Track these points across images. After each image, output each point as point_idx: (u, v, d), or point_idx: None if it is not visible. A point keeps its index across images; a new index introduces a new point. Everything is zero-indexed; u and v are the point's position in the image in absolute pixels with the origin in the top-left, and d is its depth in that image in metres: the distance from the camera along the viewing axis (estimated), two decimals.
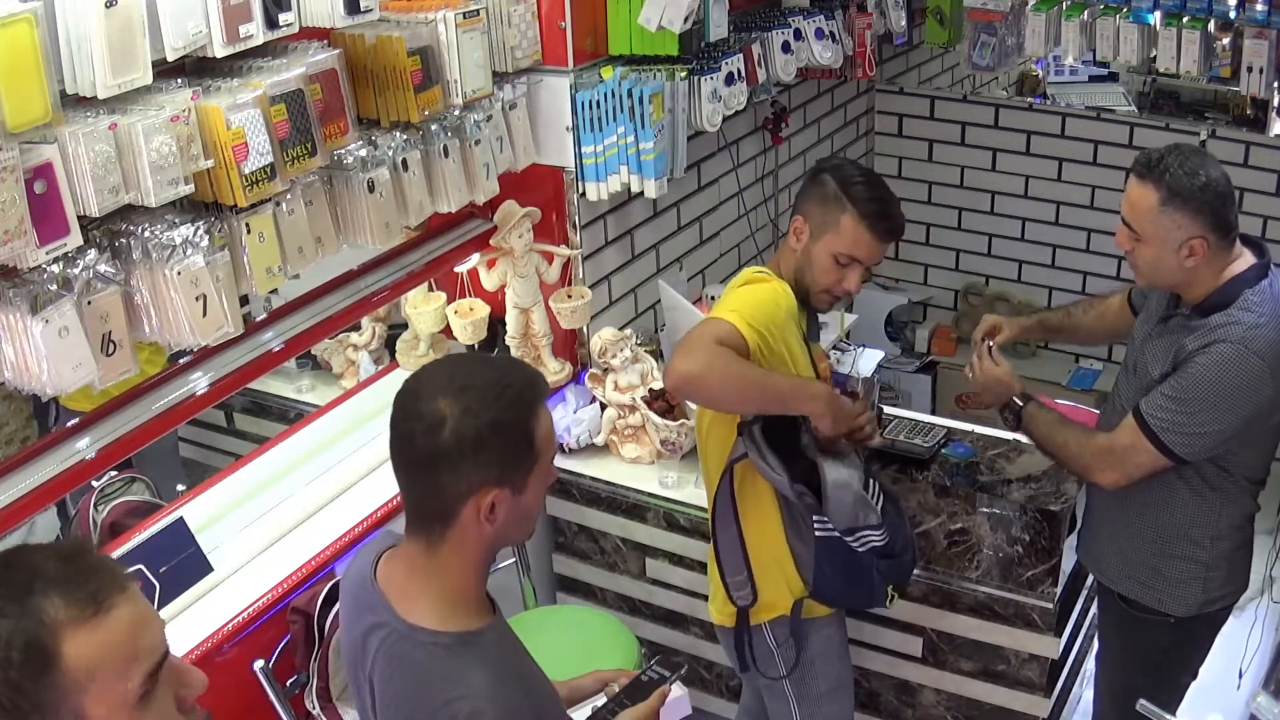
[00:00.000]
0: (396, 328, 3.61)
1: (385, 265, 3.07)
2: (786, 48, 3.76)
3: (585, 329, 3.44)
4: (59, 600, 1.08)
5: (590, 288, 3.41)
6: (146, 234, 2.22)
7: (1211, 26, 3.88)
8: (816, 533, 2.43)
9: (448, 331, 3.41)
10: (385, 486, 3.03)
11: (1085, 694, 3.33)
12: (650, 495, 3.26)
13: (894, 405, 4.01)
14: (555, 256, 3.32)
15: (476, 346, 3.38)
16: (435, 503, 1.61)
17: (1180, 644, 2.66)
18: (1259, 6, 3.72)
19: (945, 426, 3.12)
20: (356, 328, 3.57)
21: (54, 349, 2.07)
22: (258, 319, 2.85)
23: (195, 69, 2.40)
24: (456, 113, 2.85)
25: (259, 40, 2.33)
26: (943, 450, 3.01)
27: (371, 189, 2.64)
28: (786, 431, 2.39)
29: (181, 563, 2.63)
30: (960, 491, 2.90)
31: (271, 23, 2.34)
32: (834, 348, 3.77)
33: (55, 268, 2.07)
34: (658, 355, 3.50)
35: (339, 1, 2.43)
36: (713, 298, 3.59)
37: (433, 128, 2.80)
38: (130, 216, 2.22)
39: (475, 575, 1.67)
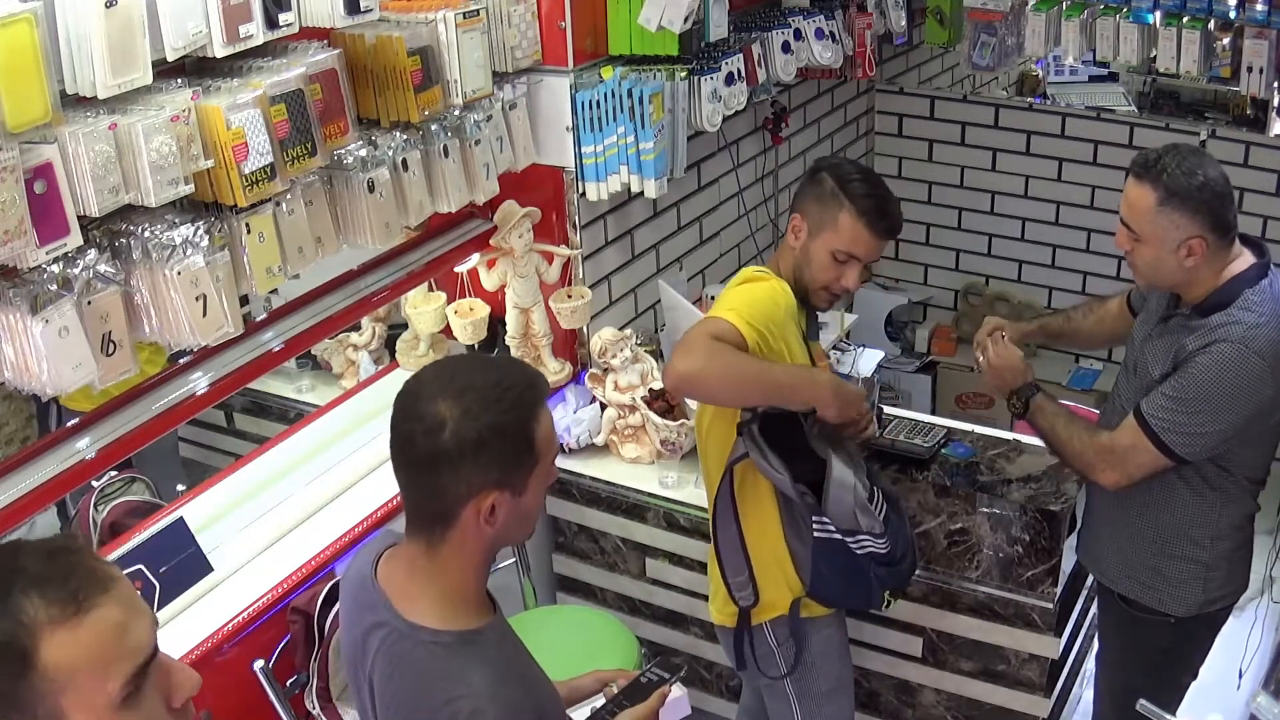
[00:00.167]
0: (396, 328, 3.61)
1: (385, 265, 3.07)
2: (786, 48, 3.76)
3: (585, 329, 3.44)
4: (38, 600, 1.07)
5: (590, 288, 3.41)
6: (146, 234, 2.22)
7: (1211, 26, 3.88)
8: (815, 533, 2.43)
9: (448, 331, 3.41)
10: (385, 486, 3.03)
11: (1085, 694, 3.33)
12: (650, 495, 3.26)
13: (894, 405, 4.01)
14: (555, 256, 3.32)
15: (476, 346, 3.38)
16: (435, 504, 1.61)
17: (1180, 644, 2.66)
18: (1259, 6, 3.71)
19: (945, 426, 3.12)
20: (356, 328, 3.57)
21: (54, 349, 2.07)
22: (258, 319, 2.85)
23: (195, 69, 2.40)
24: (456, 113, 2.85)
25: (259, 40, 2.33)
26: (943, 450, 3.01)
27: (371, 189, 2.64)
28: (787, 430, 2.39)
29: (181, 563, 2.63)
30: (960, 491, 2.90)
31: (271, 23, 2.34)
32: (834, 348, 3.77)
33: (55, 268, 2.07)
34: (658, 355, 3.50)
35: (339, 1, 2.43)
36: (712, 297, 3.59)
37: (433, 128, 2.80)
38: (130, 216, 2.22)
39: (476, 575, 1.67)
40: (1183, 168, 2.33)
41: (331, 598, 2.61)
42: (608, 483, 3.31)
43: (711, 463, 2.55)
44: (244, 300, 2.64)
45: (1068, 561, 2.91)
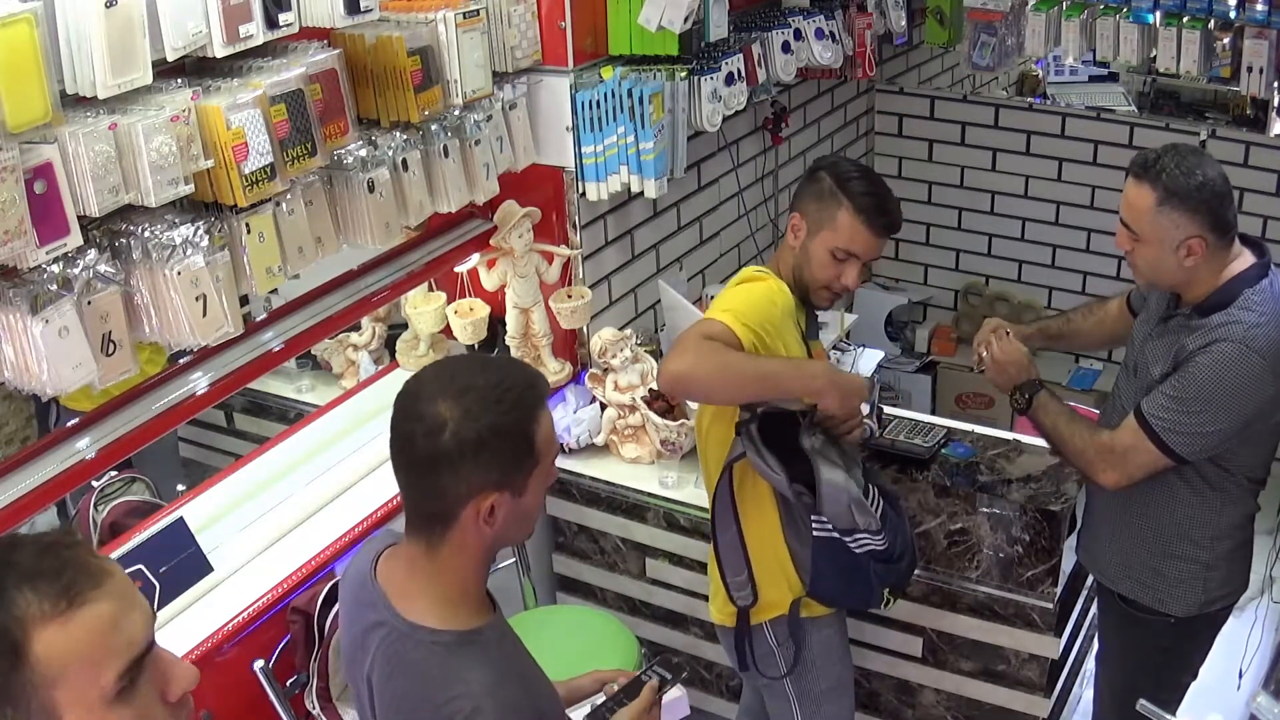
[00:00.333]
0: (396, 328, 3.61)
1: (385, 265, 3.07)
2: (786, 48, 3.76)
3: (585, 329, 3.44)
4: (30, 594, 1.08)
5: (590, 288, 3.41)
6: (146, 234, 2.22)
7: (1211, 26, 3.88)
8: (815, 533, 2.43)
9: (448, 331, 3.41)
10: (385, 486, 3.03)
11: (1085, 694, 3.33)
12: (650, 495, 3.26)
13: (894, 405, 4.00)
14: (555, 256, 3.32)
15: (476, 346, 3.38)
16: (435, 504, 1.61)
17: (1180, 644, 2.66)
18: (1259, 6, 3.71)
19: (945, 426, 3.12)
20: (356, 328, 3.57)
21: (54, 349, 2.07)
22: (258, 319, 2.85)
23: (195, 69, 2.40)
24: (456, 113, 2.85)
25: (259, 40, 2.33)
26: (943, 450, 3.01)
27: (371, 189, 2.64)
28: (785, 430, 2.39)
29: (181, 563, 2.63)
30: (960, 491, 2.90)
31: (271, 23, 2.34)
32: (834, 348, 3.77)
33: (55, 268, 2.07)
34: (658, 355, 3.50)
35: (339, 1, 2.43)
36: (712, 297, 3.58)
37: (433, 128, 2.80)
38: (130, 216, 2.22)
39: (475, 575, 1.67)
40: (1181, 167, 2.33)
41: (331, 598, 2.61)
42: (608, 483, 3.31)
43: (711, 462, 2.55)
44: (244, 300, 2.64)
45: (1068, 561, 2.91)
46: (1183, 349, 2.39)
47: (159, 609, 2.54)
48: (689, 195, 3.86)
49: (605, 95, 3.17)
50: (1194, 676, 2.74)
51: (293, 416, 3.54)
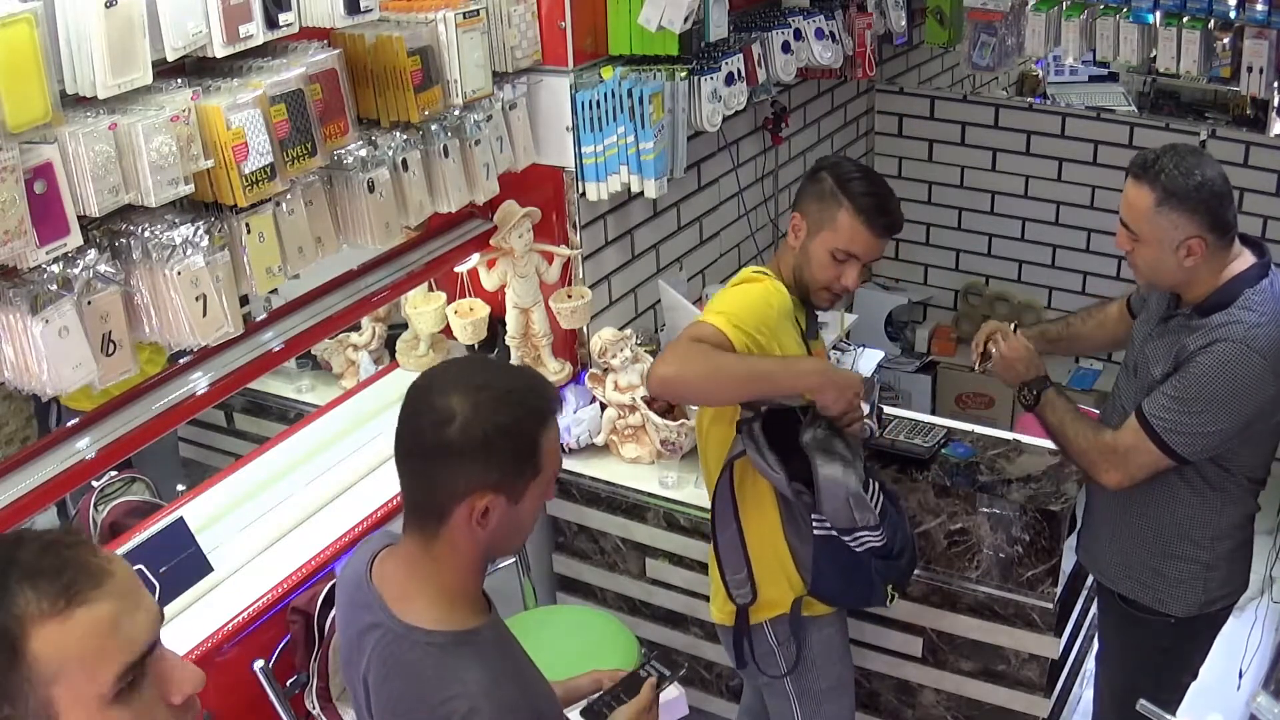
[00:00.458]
0: (396, 328, 3.61)
1: (385, 265, 3.07)
2: (786, 48, 3.76)
3: (585, 329, 3.44)
4: (30, 592, 1.08)
5: (590, 288, 3.41)
6: (146, 234, 2.22)
7: (1211, 26, 3.88)
8: (815, 531, 2.43)
9: (448, 331, 3.41)
10: (385, 486, 3.03)
11: (1085, 694, 3.33)
12: (650, 495, 3.26)
13: (894, 405, 4.01)
14: (555, 256, 3.32)
15: (476, 346, 3.39)
16: (431, 497, 1.61)
17: (1181, 644, 2.66)
18: (1259, 6, 3.71)
19: (945, 426, 3.12)
20: (356, 328, 3.57)
21: (54, 349, 2.07)
22: (258, 319, 2.85)
23: (195, 69, 2.40)
24: (456, 113, 2.85)
25: (259, 40, 2.33)
26: (943, 450, 3.01)
27: (371, 189, 2.64)
28: (787, 428, 2.39)
29: (181, 563, 2.63)
30: (960, 491, 2.90)
31: (271, 23, 2.34)
32: (834, 348, 3.77)
33: (55, 268, 2.07)
34: (657, 355, 3.49)
35: (339, 1, 2.43)
36: (712, 297, 3.59)
37: (433, 128, 2.80)
38: (130, 216, 2.22)
39: (470, 575, 1.67)
40: (1180, 168, 2.33)
41: (332, 598, 2.60)
42: (608, 483, 3.31)
43: (711, 461, 2.55)
44: (244, 300, 2.64)
45: (1068, 561, 2.91)
46: (1183, 349, 2.39)
47: None
48: (689, 195, 3.86)
49: (605, 95, 3.17)
50: (1194, 676, 2.74)
51: (293, 416, 3.54)
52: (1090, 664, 3.24)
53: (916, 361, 4.96)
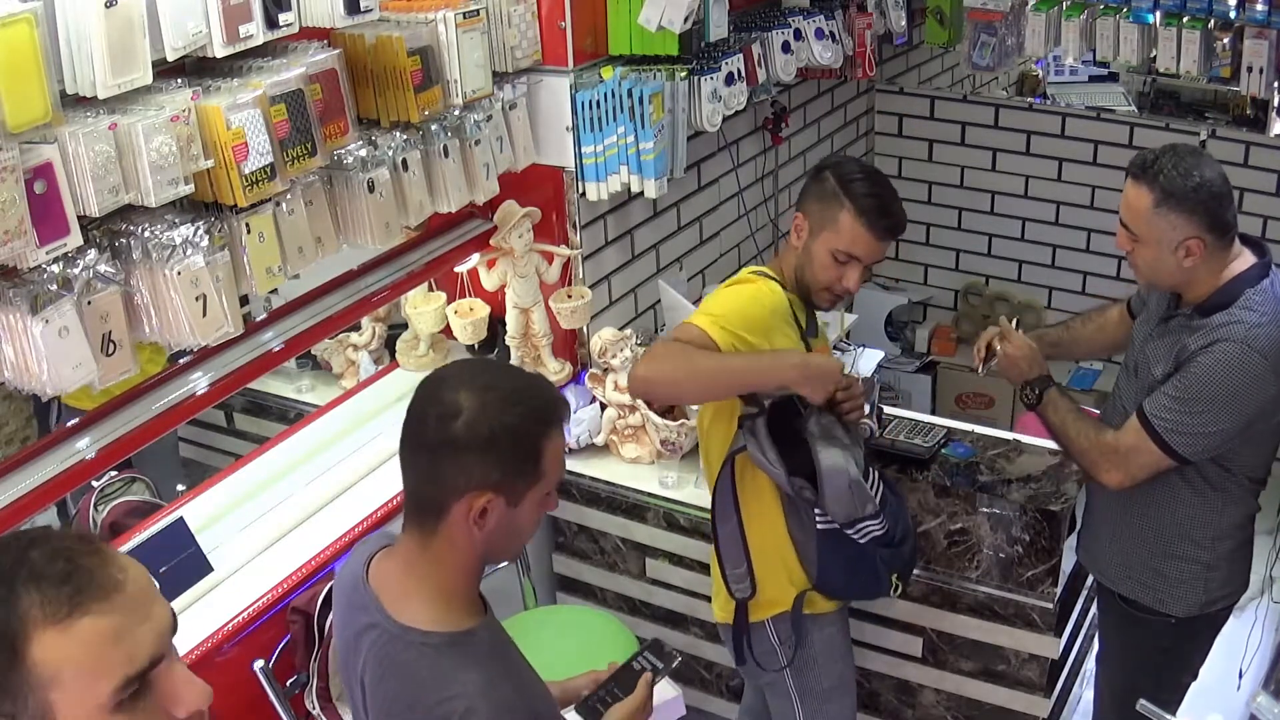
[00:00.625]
0: (396, 328, 3.61)
1: (385, 265, 3.07)
2: (786, 48, 3.76)
3: (585, 329, 3.44)
4: (36, 596, 1.08)
5: (590, 288, 3.41)
6: (146, 234, 2.22)
7: (1211, 26, 3.88)
8: (818, 525, 2.43)
9: (448, 331, 3.41)
10: (385, 486, 3.03)
11: (1085, 694, 3.33)
12: (650, 495, 3.26)
13: (894, 405, 4.00)
14: (555, 256, 3.32)
15: (476, 346, 3.39)
16: (430, 491, 1.62)
17: (1181, 644, 2.66)
18: (1259, 6, 3.71)
19: (945, 426, 3.12)
20: (356, 328, 3.57)
21: (54, 349, 2.07)
22: (258, 319, 2.85)
23: (195, 69, 2.40)
24: (456, 113, 2.85)
25: (259, 40, 2.33)
26: (943, 450, 3.01)
27: (371, 189, 2.64)
28: (789, 424, 2.39)
29: (181, 563, 2.63)
30: (960, 491, 2.90)
31: (271, 23, 2.34)
32: (834, 348, 3.76)
33: (55, 268, 2.07)
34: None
35: (339, 1, 2.43)
36: None
37: (433, 128, 2.80)
38: (130, 216, 2.22)
39: (467, 576, 1.68)
40: (1179, 169, 2.33)
41: (331, 598, 2.61)
42: (608, 483, 3.31)
43: (713, 457, 2.55)
44: (244, 300, 2.64)
45: (1068, 561, 2.91)
46: (1184, 349, 2.39)
47: None
48: (689, 195, 3.86)
49: (605, 95, 3.17)
50: (1194, 677, 2.74)
51: (293, 416, 3.54)
52: (1090, 664, 3.24)
53: (916, 361, 4.96)
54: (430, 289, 3.40)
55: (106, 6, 2.01)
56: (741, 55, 3.52)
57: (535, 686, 1.73)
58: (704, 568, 3.13)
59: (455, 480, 1.59)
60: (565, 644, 2.96)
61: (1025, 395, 2.63)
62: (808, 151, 4.51)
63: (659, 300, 3.71)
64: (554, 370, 3.41)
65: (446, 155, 2.85)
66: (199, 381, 2.59)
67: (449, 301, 3.38)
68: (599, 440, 3.36)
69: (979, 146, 4.86)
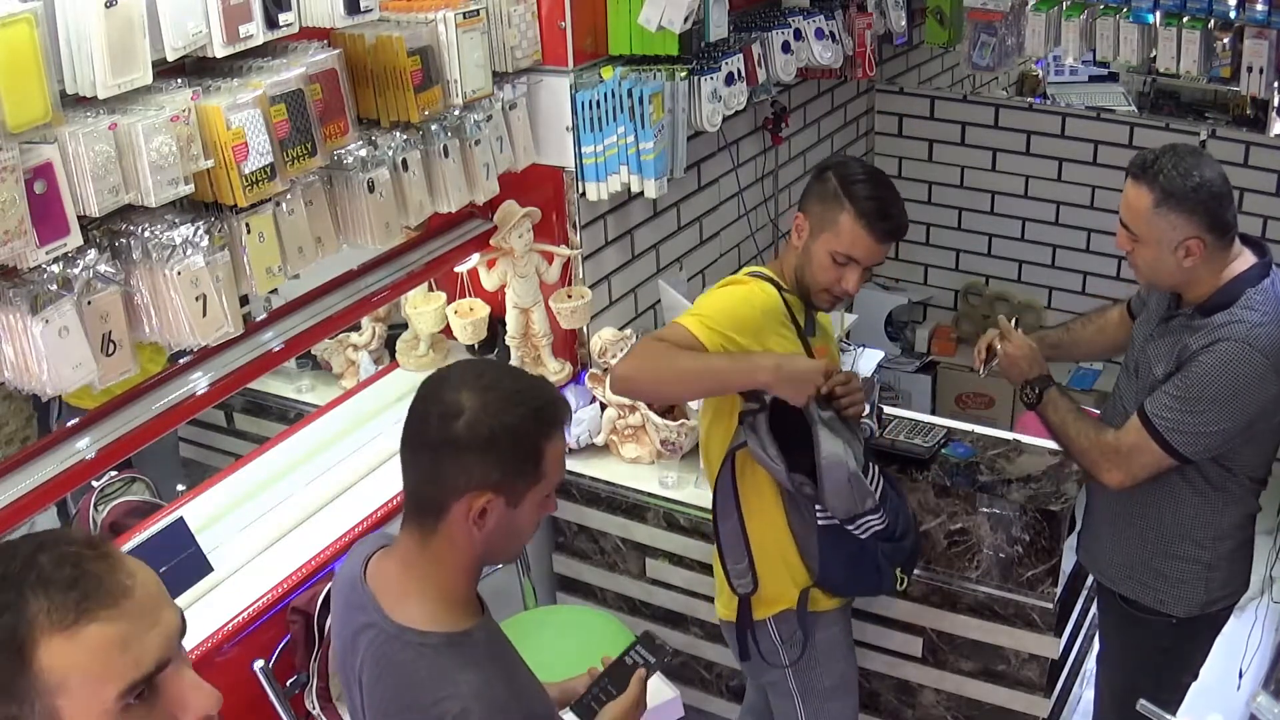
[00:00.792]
0: (396, 328, 3.61)
1: (385, 265, 3.07)
2: (786, 48, 3.76)
3: (585, 329, 3.44)
4: (44, 602, 1.08)
5: (590, 288, 3.41)
6: (146, 234, 2.22)
7: (1211, 26, 3.88)
8: (819, 521, 2.43)
9: (448, 331, 3.41)
10: (385, 486, 3.03)
11: (1085, 694, 3.33)
12: (650, 495, 3.26)
13: (894, 405, 4.01)
14: (555, 256, 3.32)
15: (476, 346, 3.39)
16: (431, 490, 1.62)
17: (1181, 644, 2.66)
18: (1259, 6, 3.71)
19: (945, 426, 3.12)
20: (356, 328, 3.57)
21: (54, 349, 2.07)
22: (258, 319, 2.85)
23: (195, 69, 2.40)
24: (456, 113, 2.85)
25: (259, 40, 2.33)
26: (943, 450, 3.01)
27: (371, 189, 2.64)
28: (789, 421, 2.38)
29: (181, 563, 2.63)
30: (960, 491, 2.90)
31: (271, 23, 2.34)
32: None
33: (55, 268, 2.07)
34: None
35: (339, 1, 2.43)
36: None
37: (433, 128, 2.80)
38: (130, 216, 2.22)
39: (465, 576, 1.68)
40: (1179, 169, 2.33)
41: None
42: (608, 483, 3.31)
43: (714, 453, 2.56)
44: (244, 300, 2.64)
45: (1068, 561, 2.91)
46: (1186, 348, 2.39)
47: None
48: (689, 195, 3.86)
49: (605, 95, 3.17)
50: (1194, 677, 2.74)
51: (293, 416, 3.54)
52: (1090, 664, 3.24)
53: (916, 361, 4.96)
54: (430, 289, 3.40)
55: (106, 6, 2.01)
56: (741, 55, 3.52)
57: (532, 688, 1.73)
58: (704, 568, 3.13)
59: (456, 480, 1.59)
60: (565, 644, 2.96)
61: (1025, 395, 2.62)
62: (808, 151, 4.51)
63: (659, 300, 3.71)
64: (554, 370, 3.41)
65: (446, 155, 2.85)
66: (199, 381, 2.59)
67: (449, 301, 3.38)
68: (599, 440, 3.36)
69: (979, 146, 4.86)
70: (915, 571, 2.76)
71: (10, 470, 2.31)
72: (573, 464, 3.33)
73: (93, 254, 2.14)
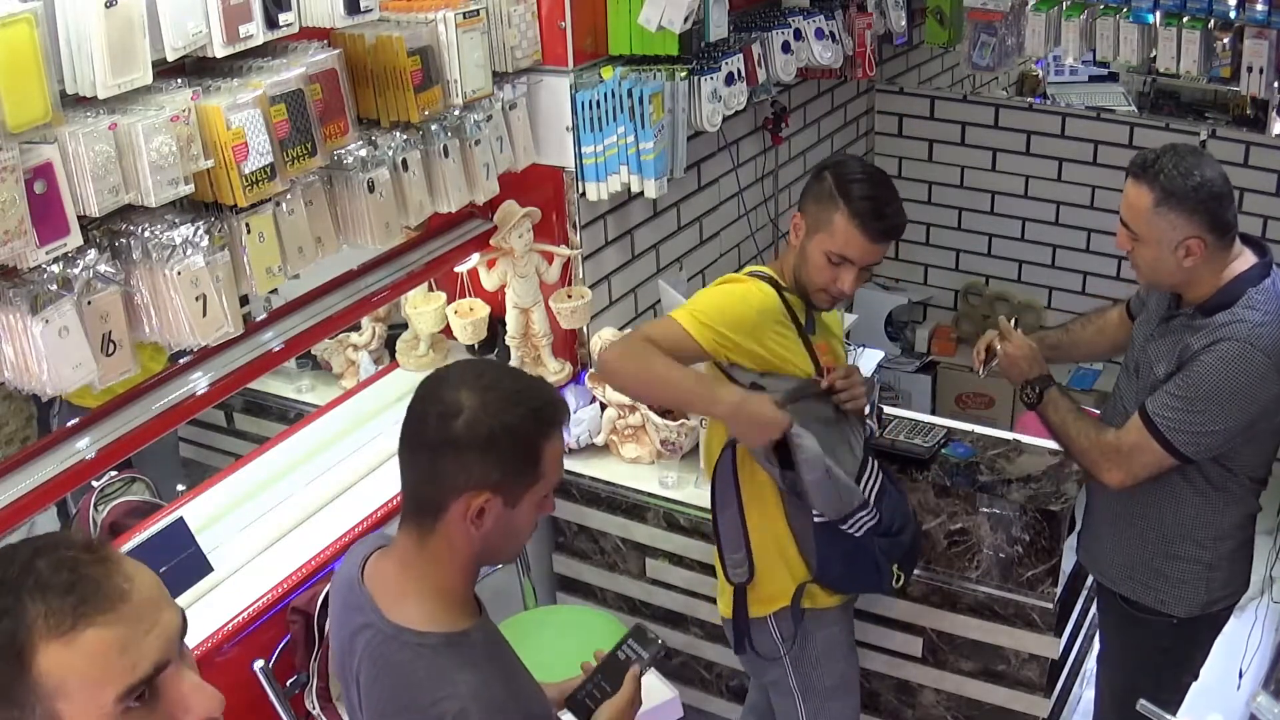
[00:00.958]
0: (396, 328, 3.61)
1: (385, 265, 3.07)
2: (786, 48, 3.76)
3: (585, 329, 3.44)
4: (41, 607, 1.08)
5: (590, 288, 3.41)
6: (146, 234, 2.22)
7: (1211, 26, 3.88)
8: (815, 519, 2.44)
9: (448, 331, 3.41)
10: (385, 486, 3.03)
11: (1085, 694, 3.33)
12: (650, 495, 3.26)
13: (894, 405, 4.01)
14: (555, 256, 3.32)
15: (476, 346, 3.39)
16: (429, 490, 1.62)
17: (1182, 644, 2.66)
18: (1259, 6, 3.71)
19: (945, 426, 3.12)
20: (356, 328, 3.57)
21: (54, 349, 2.07)
22: (258, 319, 2.85)
23: (195, 69, 2.40)
24: (456, 113, 2.85)
25: (259, 40, 2.33)
26: (943, 450, 3.01)
27: (371, 189, 2.64)
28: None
29: (181, 563, 2.63)
30: (960, 491, 2.90)
31: (271, 23, 2.34)
32: None
33: (55, 268, 2.07)
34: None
35: (339, 1, 2.43)
36: None
37: (433, 128, 2.80)
38: (130, 216, 2.22)
39: (463, 577, 1.68)
40: (1179, 168, 2.33)
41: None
42: (608, 483, 3.31)
43: (714, 444, 2.56)
44: (244, 300, 2.64)
45: (1068, 561, 2.91)
46: (1187, 348, 2.39)
47: None
48: (689, 195, 3.86)
49: (605, 95, 3.17)
50: (1195, 677, 2.74)
51: (293, 416, 3.54)
52: (1090, 664, 3.24)
53: (916, 361, 4.96)
54: (430, 289, 3.40)
55: (106, 6, 2.01)
56: (741, 55, 3.52)
57: (529, 688, 1.73)
58: (704, 568, 3.13)
59: (454, 479, 1.59)
60: (565, 644, 2.96)
61: (1025, 395, 2.63)
62: (808, 151, 4.51)
63: (659, 300, 3.71)
64: (554, 370, 3.41)
65: (446, 155, 2.85)
66: (199, 381, 2.59)
67: (449, 301, 3.38)
68: (599, 440, 3.36)
69: (979, 146, 4.86)
70: (915, 572, 2.76)
71: (10, 470, 2.31)
72: (572, 464, 3.33)
73: (93, 254, 2.14)
